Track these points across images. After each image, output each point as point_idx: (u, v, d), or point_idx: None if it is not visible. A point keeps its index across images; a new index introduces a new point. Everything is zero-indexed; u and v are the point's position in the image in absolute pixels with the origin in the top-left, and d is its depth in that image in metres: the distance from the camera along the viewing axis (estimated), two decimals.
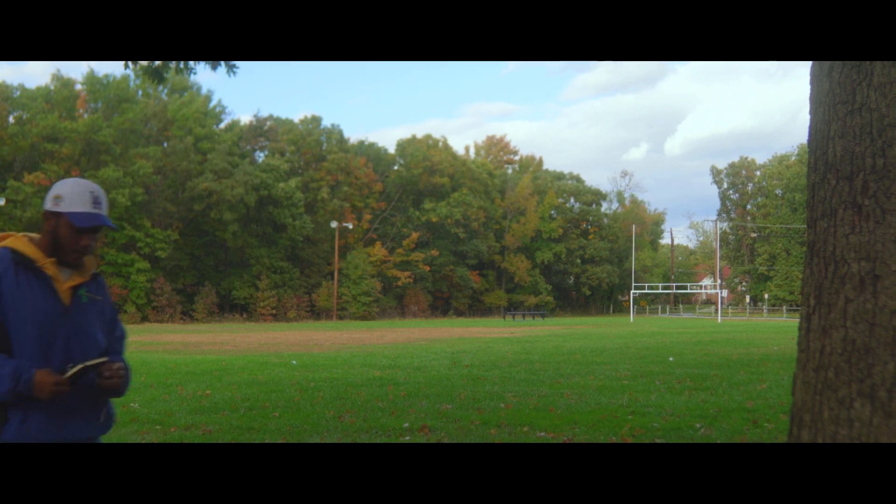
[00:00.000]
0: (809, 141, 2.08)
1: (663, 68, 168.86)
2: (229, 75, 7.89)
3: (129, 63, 8.14)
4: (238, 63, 7.82)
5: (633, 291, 64.35)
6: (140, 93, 55.20)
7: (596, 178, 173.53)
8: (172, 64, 7.67)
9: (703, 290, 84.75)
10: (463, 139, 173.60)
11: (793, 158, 77.36)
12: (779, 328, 35.20)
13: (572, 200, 79.06)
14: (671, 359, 16.33)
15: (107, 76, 53.27)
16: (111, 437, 7.17)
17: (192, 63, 7.60)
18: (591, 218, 79.41)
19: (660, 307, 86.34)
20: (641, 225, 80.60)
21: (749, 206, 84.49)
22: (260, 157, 62.43)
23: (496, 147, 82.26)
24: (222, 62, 7.58)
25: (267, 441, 6.86)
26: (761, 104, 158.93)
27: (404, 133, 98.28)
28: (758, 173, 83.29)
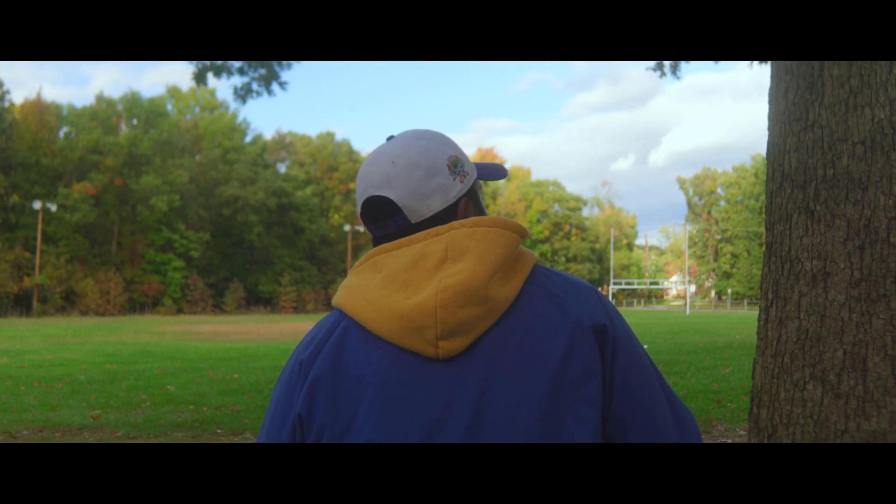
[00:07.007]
0: (768, 154, 2.09)
1: (656, 88, 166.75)
2: (283, 89, 8.03)
3: (197, 63, 7.85)
4: (287, 81, 7.92)
5: (611, 287, 64.36)
6: (175, 111, 55.41)
7: (586, 187, 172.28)
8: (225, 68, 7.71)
9: (673, 286, 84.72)
10: (469, 153, 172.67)
11: (748, 169, 77.24)
12: (740, 319, 35.20)
13: (556, 206, 79.09)
14: (645, 346, 16.30)
15: (138, 93, 53.35)
16: (152, 415, 7.19)
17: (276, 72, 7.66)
18: (573, 221, 79.45)
19: (635, 301, 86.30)
20: (619, 228, 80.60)
21: (712, 212, 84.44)
22: (282, 168, 62.56)
23: (486, 158, 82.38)
24: (285, 84, 7.69)
25: None
26: (737, 121, 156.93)
27: None
28: (719, 181, 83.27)
